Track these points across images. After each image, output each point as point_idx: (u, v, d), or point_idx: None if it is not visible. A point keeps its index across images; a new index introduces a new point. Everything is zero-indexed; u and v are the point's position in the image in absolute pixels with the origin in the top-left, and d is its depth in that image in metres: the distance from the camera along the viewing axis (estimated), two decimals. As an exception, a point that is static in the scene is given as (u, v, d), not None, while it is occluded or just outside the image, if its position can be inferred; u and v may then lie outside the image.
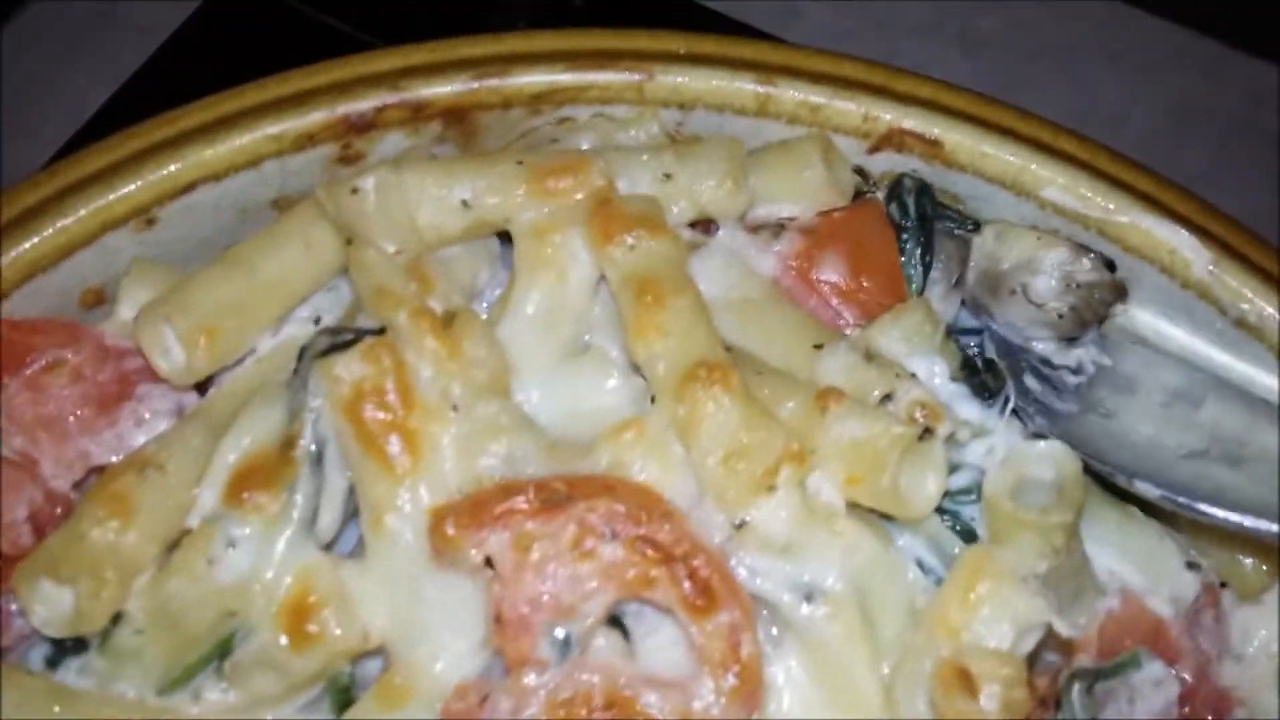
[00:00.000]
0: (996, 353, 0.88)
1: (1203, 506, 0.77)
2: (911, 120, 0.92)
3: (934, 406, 0.77)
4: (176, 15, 1.52)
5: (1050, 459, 0.76)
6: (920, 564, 0.75)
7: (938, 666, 0.67)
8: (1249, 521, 0.76)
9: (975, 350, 0.89)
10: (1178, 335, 0.90)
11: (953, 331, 0.88)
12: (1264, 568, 0.83)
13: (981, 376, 0.83)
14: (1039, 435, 0.81)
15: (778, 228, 0.91)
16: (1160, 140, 1.53)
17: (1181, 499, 0.78)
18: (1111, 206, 0.88)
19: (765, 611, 0.73)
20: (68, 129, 1.43)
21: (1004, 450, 0.78)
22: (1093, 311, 0.91)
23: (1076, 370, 0.88)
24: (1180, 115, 1.56)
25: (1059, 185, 0.90)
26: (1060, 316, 0.90)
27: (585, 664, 0.69)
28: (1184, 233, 0.86)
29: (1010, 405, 0.81)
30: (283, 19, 1.51)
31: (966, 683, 0.66)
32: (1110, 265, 0.90)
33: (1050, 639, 0.71)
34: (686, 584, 0.69)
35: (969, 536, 0.76)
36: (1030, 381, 0.86)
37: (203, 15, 1.53)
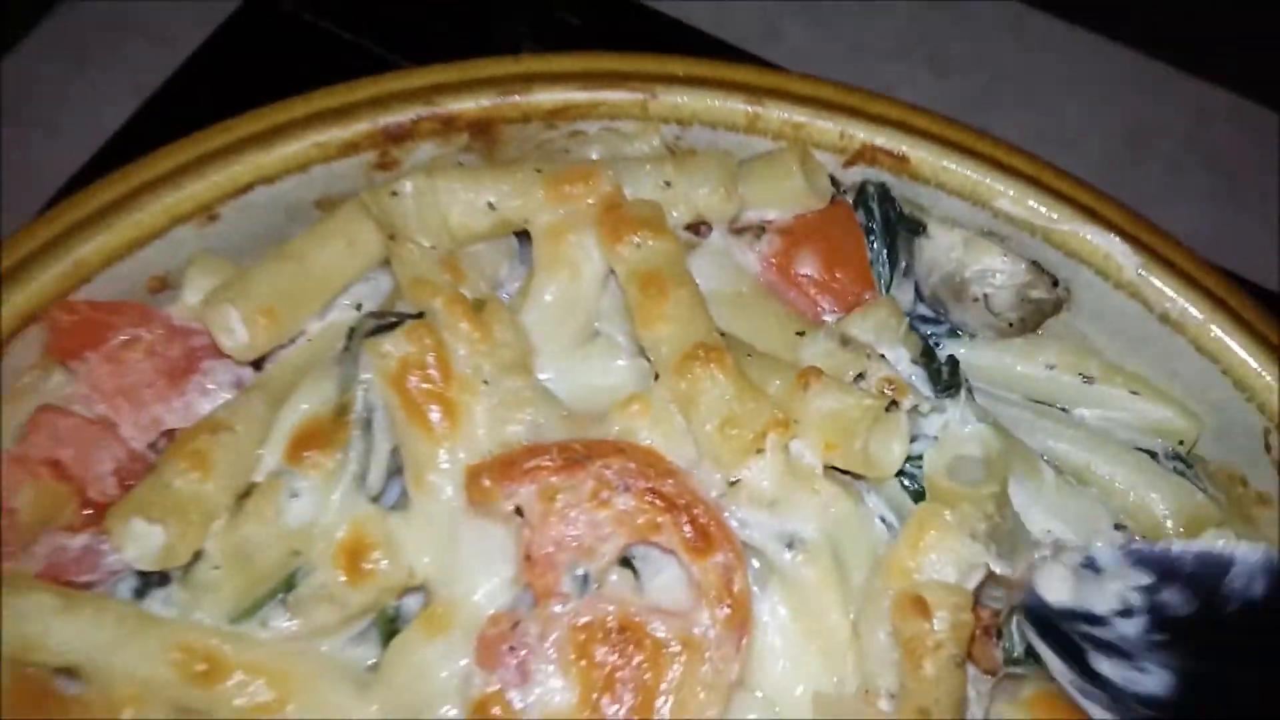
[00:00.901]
0: (1038, 634, 0.85)
1: None
2: (882, 138, 1.05)
3: (900, 383, 0.89)
4: (194, 29, 1.63)
5: (978, 439, 0.89)
6: (883, 520, 0.88)
7: (897, 596, 0.80)
8: None
9: (935, 344, 1.01)
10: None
11: (909, 316, 1.00)
12: (1181, 529, 0.96)
13: (938, 365, 0.95)
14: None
15: (759, 229, 1.04)
16: (1116, 159, 1.65)
17: None
18: (1055, 216, 1.01)
19: (753, 558, 0.85)
20: (90, 139, 1.51)
21: (955, 420, 0.90)
22: (1034, 322, 1.04)
23: (1124, 612, 0.85)
24: (1135, 135, 1.68)
25: (1010, 197, 1.02)
26: (1010, 325, 1.03)
27: (602, 596, 0.81)
28: (1116, 239, 0.99)
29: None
30: (294, 33, 1.61)
31: (921, 608, 0.78)
32: (1057, 284, 1.03)
33: (993, 582, 0.84)
34: (687, 529, 0.81)
35: (922, 496, 0.88)
36: (1099, 662, 0.84)
37: (225, 31, 1.63)
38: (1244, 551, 0.84)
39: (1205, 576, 0.84)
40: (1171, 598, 0.83)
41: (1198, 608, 0.83)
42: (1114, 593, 0.85)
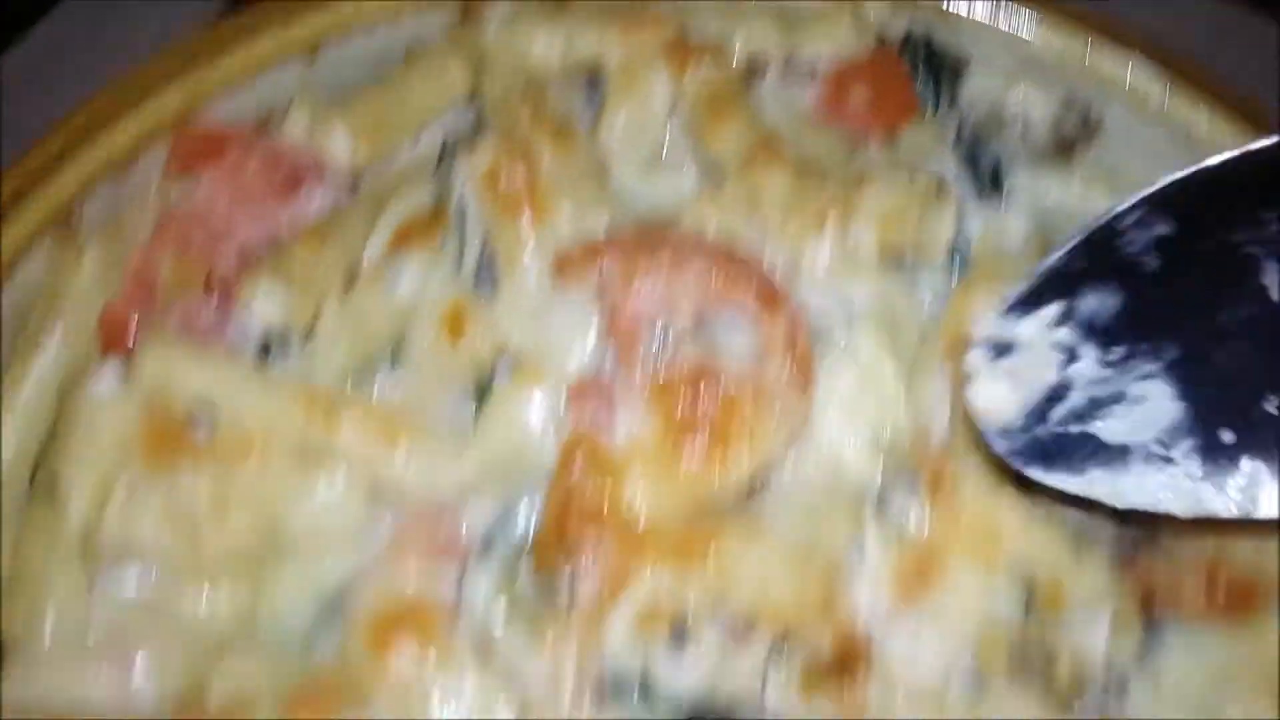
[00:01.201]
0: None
1: None
2: (926, -13, 1.14)
3: (946, 182, 0.98)
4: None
5: (1019, 230, 0.98)
6: (931, 299, 0.96)
7: (947, 344, 0.88)
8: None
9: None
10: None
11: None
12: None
13: (981, 171, 1.04)
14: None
15: (811, 71, 1.12)
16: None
17: None
18: (1088, 50, 1.09)
19: (814, 328, 0.94)
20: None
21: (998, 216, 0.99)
22: (1068, 150, 1.11)
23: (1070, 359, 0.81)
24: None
25: (1044, 36, 1.10)
26: (1046, 154, 1.11)
27: (680, 352, 0.89)
28: (1143, 68, 1.07)
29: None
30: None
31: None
32: (1089, 114, 1.11)
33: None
34: (757, 291, 0.90)
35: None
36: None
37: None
38: (1117, 207, 0.80)
39: (1099, 257, 0.79)
40: (1090, 301, 0.79)
41: (1121, 291, 0.78)
42: (1044, 350, 0.80)
